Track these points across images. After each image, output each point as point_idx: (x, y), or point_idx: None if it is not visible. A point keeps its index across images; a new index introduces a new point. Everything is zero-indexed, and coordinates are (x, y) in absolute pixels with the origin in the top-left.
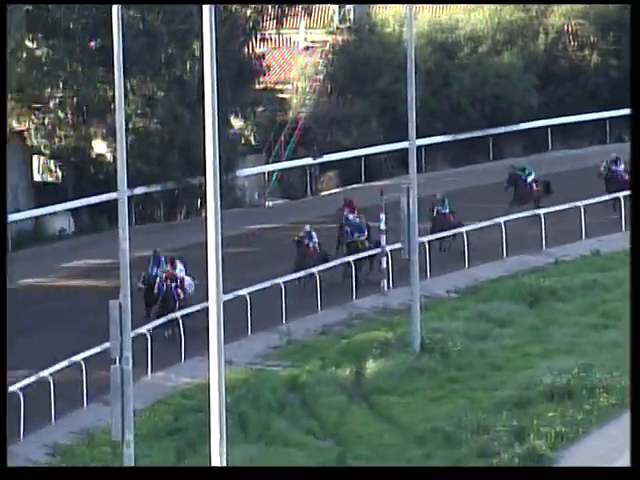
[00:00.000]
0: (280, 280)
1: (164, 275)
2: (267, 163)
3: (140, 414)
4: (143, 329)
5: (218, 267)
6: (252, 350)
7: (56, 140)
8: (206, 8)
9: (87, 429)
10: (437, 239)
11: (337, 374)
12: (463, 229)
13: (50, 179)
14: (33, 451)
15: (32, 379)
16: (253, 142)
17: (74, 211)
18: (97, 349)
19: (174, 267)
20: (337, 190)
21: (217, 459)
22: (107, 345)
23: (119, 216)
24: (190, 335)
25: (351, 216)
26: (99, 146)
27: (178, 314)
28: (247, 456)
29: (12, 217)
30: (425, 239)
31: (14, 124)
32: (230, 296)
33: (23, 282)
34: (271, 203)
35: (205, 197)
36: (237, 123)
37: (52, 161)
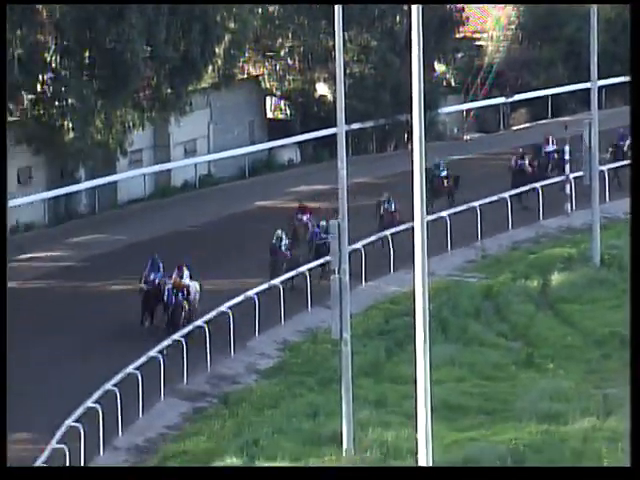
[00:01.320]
0: (476, 203)
1: (172, 284)
2: (465, 102)
3: (355, 317)
4: (358, 244)
5: (422, 192)
6: (452, 263)
7: (286, 83)
8: None
9: (311, 329)
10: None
11: (526, 285)
12: None
13: (280, 116)
14: (266, 346)
15: (264, 286)
16: (453, 84)
17: (300, 144)
18: (320, 261)
19: (181, 274)
20: (526, 125)
21: (421, 357)
22: (328, 258)
23: (338, 148)
24: (400, 251)
25: (305, 218)
26: (321, 88)
27: (388, 232)
28: (447, 355)
29: (249, 149)
30: (605, 167)
31: (251, 69)
32: (433, 217)
33: (258, 204)
34: (469, 136)
35: (411, 131)
36: (440, 67)
37: (282, 101)
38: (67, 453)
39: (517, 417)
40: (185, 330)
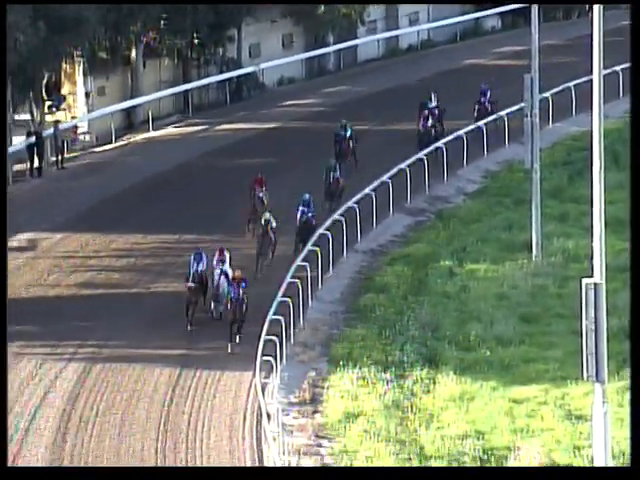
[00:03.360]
0: None
1: (230, 278)
2: None
3: (544, 151)
4: (547, 94)
5: (600, 51)
6: (623, 108)
7: None
8: None
9: (508, 160)
10: None
11: None
12: None
13: None
14: (472, 174)
15: (471, 127)
16: None
17: (501, 14)
18: (514, 107)
19: (223, 258)
20: None
21: (597, 181)
22: (522, 104)
23: (532, 16)
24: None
25: (261, 193)
26: None
27: (572, 83)
28: (618, 180)
29: (460, 18)
30: None
31: None
32: (608, 71)
33: (467, 62)
34: None
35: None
36: None
37: None
38: (319, 254)
39: None
40: (412, 160)
